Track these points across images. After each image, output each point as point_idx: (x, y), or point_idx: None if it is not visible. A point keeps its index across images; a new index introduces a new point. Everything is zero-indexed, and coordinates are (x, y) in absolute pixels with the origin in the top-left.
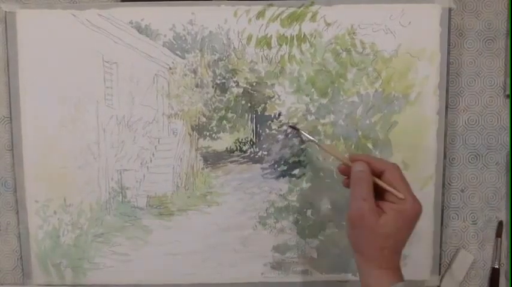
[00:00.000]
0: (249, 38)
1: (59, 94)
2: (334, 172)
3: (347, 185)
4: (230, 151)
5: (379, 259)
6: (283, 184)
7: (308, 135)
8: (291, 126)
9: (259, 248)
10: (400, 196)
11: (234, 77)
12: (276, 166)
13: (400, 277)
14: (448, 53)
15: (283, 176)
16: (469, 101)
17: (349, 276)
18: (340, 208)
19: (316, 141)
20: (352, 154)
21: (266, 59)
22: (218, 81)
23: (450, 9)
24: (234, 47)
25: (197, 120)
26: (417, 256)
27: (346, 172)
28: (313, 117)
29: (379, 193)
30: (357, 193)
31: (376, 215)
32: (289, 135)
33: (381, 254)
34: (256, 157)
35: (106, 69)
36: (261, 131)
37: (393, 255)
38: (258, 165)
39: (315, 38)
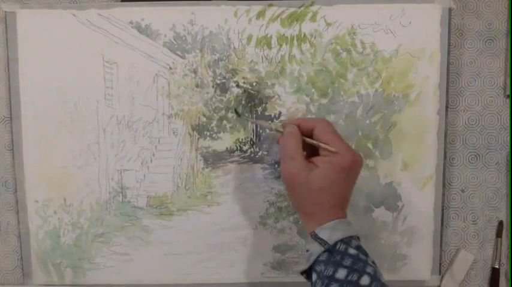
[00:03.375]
0: (249, 38)
1: (59, 94)
2: None
3: None
4: (230, 151)
5: (318, 213)
6: (283, 184)
7: (250, 119)
8: (235, 111)
9: (259, 248)
10: (331, 149)
11: (234, 77)
12: (276, 166)
13: (337, 214)
14: (448, 53)
15: None
16: (469, 101)
17: None
18: None
19: (253, 120)
20: (284, 121)
21: (266, 59)
22: (218, 81)
23: (450, 9)
24: (234, 47)
25: (197, 120)
26: (417, 256)
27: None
28: (313, 117)
29: (314, 152)
30: (285, 153)
31: (306, 170)
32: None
33: (319, 209)
34: (257, 157)
35: (106, 69)
36: (261, 131)
37: (333, 208)
38: (258, 165)
39: (315, 38)
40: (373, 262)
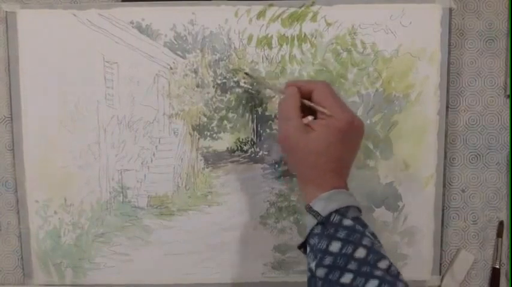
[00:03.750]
0: (250, 38)
1: (60, 94)
2: None
3: None
4: (231, 151)
5: (314, 177)
6: (283, 184)
7: (257, 78)
8: (246, 73)
9: (259, 248)
10: (326, 112)
11: (235, 77)
12: (276, 165)
13: (335, 184)
14: (449, 53)
15: (284, 176)
16: (469, 101)
17: None
18: None
19: (257, 79)
20: (287, 82)
21: (267, 59)
22: (219, 81)
23: (451, 9)
24: (235, 47)
25: (198, 120)
26: (418, 256)
27: None
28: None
29: (313, 115)
30: (282, 114)
31: (303, 133)
32: None
33: (316, 172)
34: (257, 156)
35: (107, 69)
36: (261, 131)
37: (329, 174)
38: (259, 165)
39: (315, 38)
40: (372, 234)
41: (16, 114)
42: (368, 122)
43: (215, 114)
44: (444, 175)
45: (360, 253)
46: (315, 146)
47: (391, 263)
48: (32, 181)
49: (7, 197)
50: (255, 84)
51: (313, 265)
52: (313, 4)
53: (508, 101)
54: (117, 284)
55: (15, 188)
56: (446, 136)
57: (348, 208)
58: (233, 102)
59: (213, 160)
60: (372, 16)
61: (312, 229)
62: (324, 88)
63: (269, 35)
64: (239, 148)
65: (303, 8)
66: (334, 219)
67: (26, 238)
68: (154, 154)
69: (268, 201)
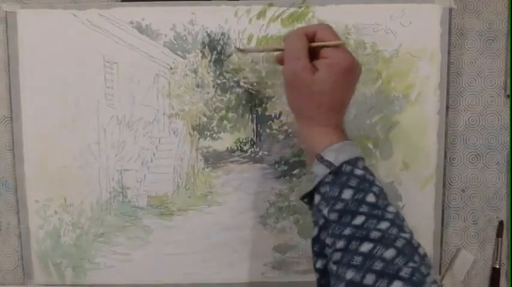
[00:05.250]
0: (250, 38)
1: (60, 94)
2: None
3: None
4: (231, 151)
5: (317, 116)
6: (283, 184)
7: (253, 49)
8: (237, 49)
9: (259, 248)
10: (333, 43)
11: (235, 77)
12: (276, 165)
13: (340, 135)
14: (449, 53)
15: (284, 176)
16: (469, 101)
17: None
18: None
19: (254, 48)
20: (286, 33)
21: (267, 59)
22: (219, 81)
23: (451, 9)
24: (235, 47)
25: (198, 120)
26: None
27: (281, 59)
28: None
29: (315, 57)
30: (291, 53)
31: (310, 72)
32: (290, 135)
33: (319, 111)
34: (257, 156)
35: (107, 69)
36: (261, 131)
37: (331, 112)
38: (259, 165)
39: None
40: (379, 183)
41: (16, 114)
42: (368, 122)
43: (215, 114)
44: (444, 175)
45: (371, 198)
46: (321, 86)
47: (398, 210)
48: (32, 181)
49: (7, 197)
50: (255, 84)
51: (325, 211)
52: (313, 4)
53: (508, 101)
54: (117, 284)
55: (15, 188)
56: (446, 136)
57: (357, 159)
58: (233, 102)
59: (213, 160)
60: (371, 16)
61: (324, 178)
62: (327, 28)
63: (269, 35)
64: (239, 147)
65: (303, 8)
66: (346, 169)
67: (26, 238)
68: (154, 154)
69: (268, 201)
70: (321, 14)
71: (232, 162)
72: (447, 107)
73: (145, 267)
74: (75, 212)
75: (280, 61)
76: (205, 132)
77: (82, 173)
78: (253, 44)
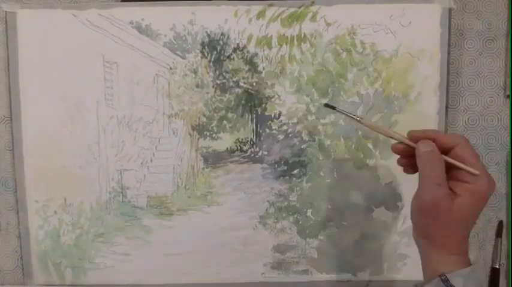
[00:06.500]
0: (250, 38)
1: (60, 94)
2: (334, 172)
3: (403, 164)
4: (230, 151)
5: (451, 245)
6: (283, 184)
7: (348, 113)
8: (326, 105)
9: (259, 248)
10: (476, 172)
11: (234, 77)
12: (276, 166)
13: (468, 262)
14: (448, 53)
15: (284, 176)
16: (469, 101)
17: (349, 276)
18: (340, 208)
19: (358, 119)
20: (412, 131)
21: (266, 59)
22: (218, 81)
23: (450, 10)
24: (235, 47)
25: (197, 120)
26: (417, 256)
27: (401, 151)
28: (313, 117)
29: (446, 171)
30: (430, 177)
31: (450, 200)
32: (290, 135)
33: (454, 240)
34: (257, 156)
35: (106, 69)
36: (261, 131)
37: (465, 240)
38: (258, 165)
39: (315, 38)
40: None
41: (16, 114)
42: None
43: (215, 114)
44: None
45: None
46: (461, 215)
47: None
48: (31, 181)
49: (7, 197)
50: (254, 84)
51: None
52: (312, 4)
53: (508, 101)
54: (117, 284)
55: (15, 188)
56: None
57: None
58: (232, 102)
59: (212, 160)
60: (371, 16)
61: None
62: (467, 145)
63: (269, 35)
64: (239, 148)
65: (302, 8)
66: None
67: (25, 238)
68: (154, 154)
69: (267, 201)
70: (323, 14)
71: (232, 162)
72: (447, 107)
73: (145, 267)
74: (75, 212)
75: (397, 151)
76: (205, 133)
77: (82, 173)
78: (253, 43)
